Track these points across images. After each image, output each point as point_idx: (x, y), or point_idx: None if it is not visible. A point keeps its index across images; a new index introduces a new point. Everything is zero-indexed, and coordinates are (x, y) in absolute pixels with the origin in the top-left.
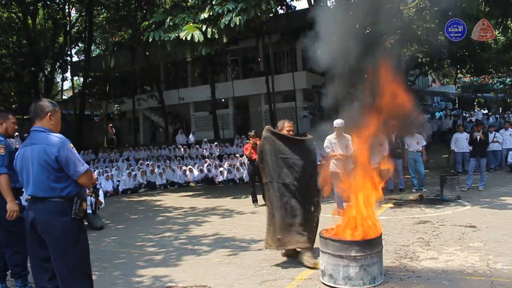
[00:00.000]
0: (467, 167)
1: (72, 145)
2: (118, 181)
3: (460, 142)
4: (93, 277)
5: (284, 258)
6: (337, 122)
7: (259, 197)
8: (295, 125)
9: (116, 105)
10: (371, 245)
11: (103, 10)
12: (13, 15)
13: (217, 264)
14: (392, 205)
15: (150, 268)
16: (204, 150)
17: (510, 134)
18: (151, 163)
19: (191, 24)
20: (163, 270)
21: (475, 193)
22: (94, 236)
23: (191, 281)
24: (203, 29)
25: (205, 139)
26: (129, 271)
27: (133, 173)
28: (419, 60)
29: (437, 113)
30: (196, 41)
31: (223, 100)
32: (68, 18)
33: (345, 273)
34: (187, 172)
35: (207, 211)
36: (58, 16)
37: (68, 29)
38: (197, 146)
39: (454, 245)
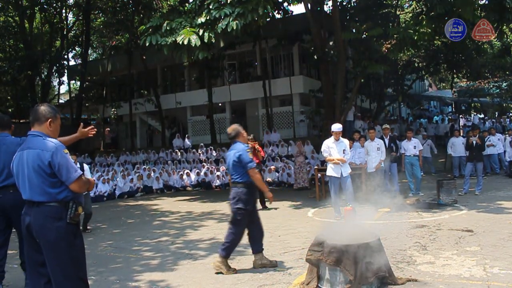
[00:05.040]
0: (464, 171)
1: (66, 151)
2: (115, 185)
3: (457, 146)
4: (89, 282)
5: (281, 263)
6: (336, 126)
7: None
8: (292, 130)
9: (113, 109)
10: None
11: (100, 14)
12: (10, 19)
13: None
14: (389, 209)
15: (147, 273)
16: (201, 154)
17: (499, 139)
18: (147, 167)
19: (188, 29)
20: (160, 275)
21: (472, 197)
22: (91, 240)
23: (187, 286)
24: (200, 33)
25: (202, 143)
26: (126, 276)
27: (130, 177)
28: (416, 65)
29: (435, 117)
30: (193, 45)
31: (220, 104)
32: (65, 22)
33: (343, 277)
34: (184, 176)
35: (204, 215)
36: (55, 20)
37: (65, 33)
38: (194, 150)
39: (451, 250)
